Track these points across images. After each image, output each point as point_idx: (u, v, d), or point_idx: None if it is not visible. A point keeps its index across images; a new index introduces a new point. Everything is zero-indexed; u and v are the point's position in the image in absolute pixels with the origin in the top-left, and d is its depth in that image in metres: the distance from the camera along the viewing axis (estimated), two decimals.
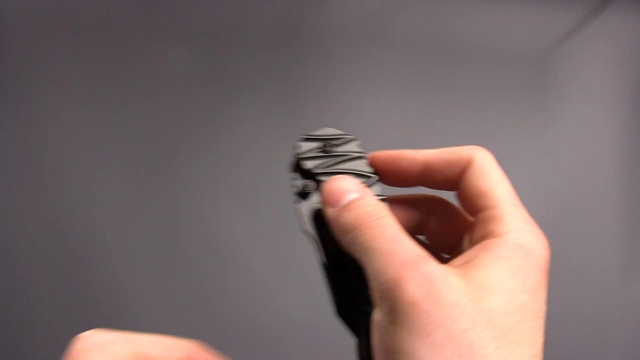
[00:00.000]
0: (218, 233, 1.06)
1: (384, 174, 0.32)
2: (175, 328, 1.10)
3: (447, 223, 0.32)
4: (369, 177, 0.31)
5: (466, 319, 0.22)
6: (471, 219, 0.30)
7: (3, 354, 1.01)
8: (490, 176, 0.28)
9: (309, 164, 0.31)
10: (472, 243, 0.28)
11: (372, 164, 0.32)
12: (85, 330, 0.27)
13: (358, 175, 0.31)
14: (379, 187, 0.31)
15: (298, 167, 0.32)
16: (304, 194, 0.31)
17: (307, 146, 0.32)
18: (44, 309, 1.02)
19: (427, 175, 0.31)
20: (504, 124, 1.17)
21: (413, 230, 0.33)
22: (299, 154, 0.31)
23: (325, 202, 0.29)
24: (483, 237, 0.27)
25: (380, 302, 0.24)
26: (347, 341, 1.17)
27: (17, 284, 1.02)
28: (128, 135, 1.06)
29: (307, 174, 0.31)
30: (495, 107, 1.17)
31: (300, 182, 0.31)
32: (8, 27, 1.05)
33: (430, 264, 0.24)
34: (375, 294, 0.24)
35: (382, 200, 0.31)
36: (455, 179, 0.30)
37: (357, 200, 0.28)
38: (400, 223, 0.28)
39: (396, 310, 0.23)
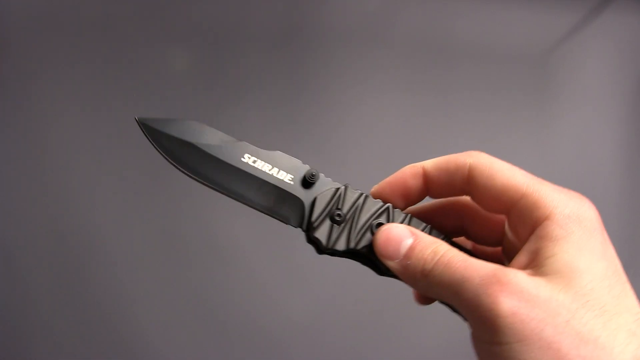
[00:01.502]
0: (218, 233, 1.06)
1: (392, 200, 0.32)
2: (175, 328, 1.10)
3: (478, 222, 0.32)
4: (388, 210, 0.31)
5: (564, 310, 0.22)
6: (499, 216, 0.30)
7: (3, 354, 1.01)
8: (498, 171, 0.28)
9: (338, 245, 0.30)
10: (521, 236, 0.27)
11: (377, 196, 0.32)
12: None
13: (378, 216, 0.30)
14: (398, 211, 0.31)
15: (330, 252, 0.31)
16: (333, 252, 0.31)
17: (322, 231, 0.30)
18: (44, 309, 1.02)
19: (431, 189, 0.31)
20: (504, 124, 1.17)
21: (453, 234, 0.33)
22: (325, 246, 0.30)
23: (384, 257, 0.29)
24: (531, 227, 0.26)
25: (481, 328, 0.24)
26: (347, 341, 1.18)
27: (17, 284, 1.02)
28: (128, 135, 1.06)
29: (343, 253, 0.31)
30: (495, 107, 1.17)
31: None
32: (8, 27, 1.05)
33: (509, 272, 0.24)
34: (473, 323, 0.24)
35: (410, 219, 0.31)
36: (459, 186, 0.30)
37: (416, 246, 0.28)
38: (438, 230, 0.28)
39: (499, 328, 0.23)
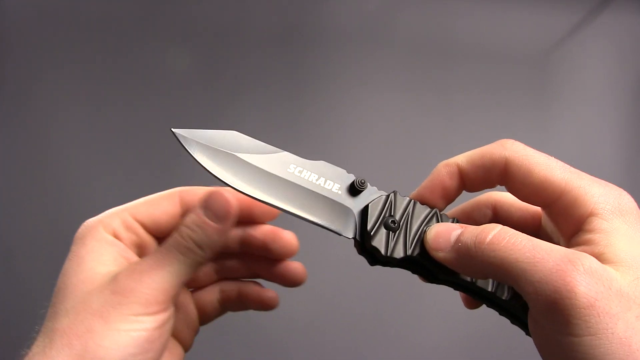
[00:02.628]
0: None
1: (432, 202, 0.31)
2: None
3: (513, 215, 0.32)
4: (437, 214, 0.30)
5: (635, 305, 0.22)
6: (536, 208, 0.30)
7: (3, 354, 1.01)
8: (536, 165, 0.27)
9: (396, 253, 0.29)
10: (564, 231, 0.27)
11: (422, 201, 0.31)
12: None
13: (429, 222, 0.30)
14: (446, 217, 0.31)
15: (385, 262, 0.30)
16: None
17: (379, 240, 0.29)
18: (44, 308, 1.02)
19: (467, 185, 0.31)
20: (504, 123, 1.17)
21: None
22: (384, 255, 0.29)
23: (434, 249, 0.28)
24: (575, 223, 0.26)
25: (548, 315, 0.23)
26: (347, 341, 1.18)
27: (17, 284, 1.02)
28: (128, 135, 1.06)
29: (399, 262, 0.30)
30: (495, 107, 1.17)
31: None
32: (8, 27, 1.05)
33: (585, 257, 0.23)
34: (539, 308, 0.23)
35: (457, 222, 0.30)
36: (496, 180, 0.29)
37: (465, 231, 0.27)
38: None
39: (572, 319, 0.22)
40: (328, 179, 0.30)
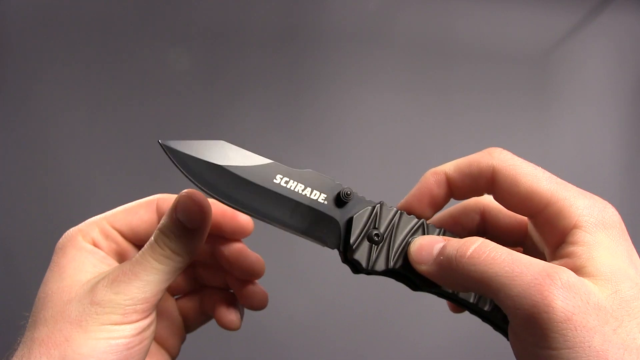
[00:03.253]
0: None
1: (420, 211, 0.31)
2: None
3: (500, 222, 0.32)
4: (423, 225, 0.30)
5: (612, 319, 0.22)
6: (522, 217, 0.30)
7: (3, 354, 1.01)
8: (522, 176, 0.27)
9: (377, 266, 0.29)
10: (548, 242, 0.27)
11: (409, 211, 0.31)
12: None
13: (414, 233, 0.30)
14: (432, 226, 0.31)
15: (367, 272, 0.30)
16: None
17: (361, 252, 0.29)
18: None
19: (455, 192, 0.31)
20: (504, 123, 1.17)
21: (475, 235, 0.33)
22: (365, 268, 0.30)
23: (417, 262, 0.28)
24: (559, 235, 0.26)
25: (527, 329, 0.23)
26: (347, 341, 1.18)
27: (17, 284, 1.02)
28: (128, 135, 1.06)
29: (381, 273, 0.30)
30: (495, 107, 1.17)
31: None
32: (8, 27, 1.05)
33: (563, 272, 0.23)
34: (519, 322, 0.23)
35: (444, 233, 0.30)
36: (483, 188, 0.29)
37: (447, 244, 0.27)
38: (462, 236, 0.28)
39: (550, 333, 0.22)
40: (315, 189, 0.30)
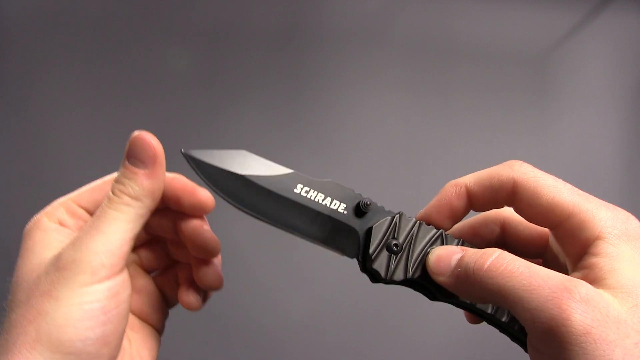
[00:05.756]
0: (218, 233, 1.06)
1: (439, 222, 0.31)
2: (175, 327, 1.10)
3: (520, 234, 0.32)
4: (442, 236, 0.30)
5: (633, 332, 0.22)
6: (542, 229, 0.30)
7: None
8: (544, 188, 0.27)
9: (396, 276, 0.30)
10: (570, 253, 0.27)
11: (428, 222, 0.31)
12: None
13: (433, 243, 0.30)
14: (451, 237, 0.31)
15: (385, 282, 0.31)
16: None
17: (380, 262, 0.30)
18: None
19: (475, 205, 0.31)
20: (504, 124, 1.17)
21: (494, 247, 0.33)
22: (384, 278, 0.30)
23: (435, 274, 0.28)
24: (581, 246, 0.26)
25: (545, 342, 0.23)
26: (347, 341, 1.18)
27: None
28: (128, 135, 1.06)
29: (399, 282, 0.30)
30: (495, 107, 1.17)
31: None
32: (8, 27, 1.06)
33: (581, 285, 0.23)
34: (537, 335, 0.23)
35: (462, 243, 0.30)
36: (503, 201, 0.29)
37: (466, 255, 0.27)
38: (481, 247, 0.28)
39: (568, 346, 0.22)
40: (335, 199, 0.30)
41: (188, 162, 0.29)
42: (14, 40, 1.05)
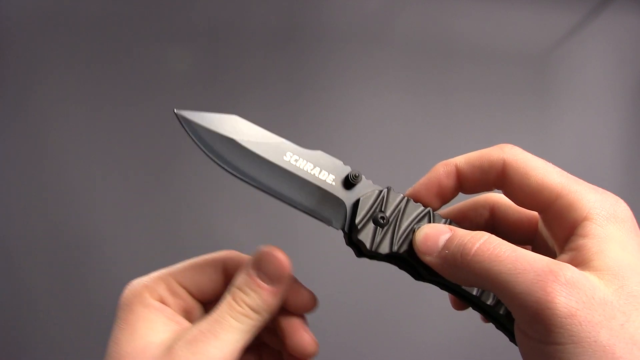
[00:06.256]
0: (218, 233, 1.06)
1: (428, 201, 0.31)
2: None
3: (509, 218, 0.32)
4: (429, 214, 0.30)
5: (619, 313, 0.22)
6: (532, 212, 0.30)
7: (3, 354, 1.01)
8: (533, 169, 0.27)
9: (381, 248, 0.30)
10: (557, 236, 0.27)
11: (416, 199, 0.31)
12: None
13: (420, 220, 0.30)
14: (439, 216, 0.31)
15: (370, 256, 0.31)
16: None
17: (366, 234, 0.30)
18: (44, 309, 1.02)
19: (464, 185, 0.31)
20: (504, 124, 1.17)
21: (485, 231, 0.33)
22: (369, 249, 0.30)
23: (422, 252, 0.28)
24: (569, 228, 0.26)
25: (531, 325, 0.23)
26: (347, 341, 1.18)
27: (17, 284, 1.02)
28: (128, 135, 1.06)
29: (384, 257, 0.30)
30: (495, 107, 1.17)
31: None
32: (8, 27, 1.05)
33: (566, 268, 0.23)
34: (523, 319, 0.23)
35: (450, 223, 0.30)
36: (492, 182, 0.29)
37: (454, 236, 0.27)
38: (470, 228, 0.28)
39: (554, 328, 0.22)
40: (323, 169, 0.31)
41: (180, 122, 0.29)
42: (14, 40, 1.05)
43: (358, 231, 0.30)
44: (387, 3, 1.16)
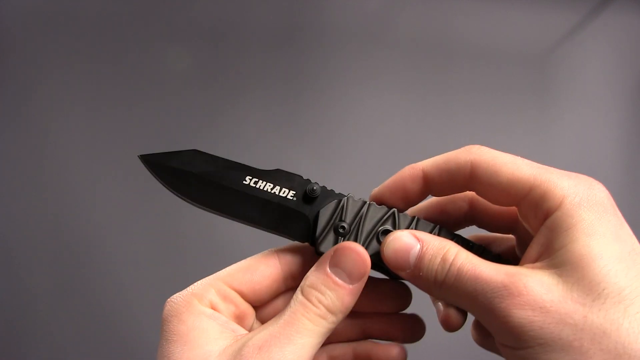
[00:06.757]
0: (218, 233, 1.06)
1: (393, 203, 0.31)
2: None
3: (488, 212, 0.32)
4: (394, 215, 0.30)
5: (580, 307, 0.22)
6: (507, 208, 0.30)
7: (3, 354, 1.01)
8: (502, 165, 0.27)
9: None
10: (533, 227, 0.27)
11: (377, 200, 0.31)
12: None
13: (384, 222, 0.30)
14: (404, 215, 0.31)
15: None
16: None
17: (327, 244, 0.30)
18: (44, 309, 1.02)
19: (433, 189, 0.30)
20: (504, 123, 1.17)
21: (463, 224, 0.33)
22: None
23: (395, 269, 0.28)
24: (543, 218, 0.26)
25: (501, 335, 0.24)
26: None
27: (17, 284, 1.02)
28: (128, 135, 1.06)
29: None
30: (495, 107, 1.17)
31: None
32: (8, 27, 1.05)
33: (519, 281, 0.24)
34: (493, 330, 0.25)
35: (417, 222, 0.30)
36: (462, 185, 0.29)
37: (424, 255, 0.27)
38: (448, 224, 0.29)
39: (518, 336, 0.23)
40: (283, 187, 0.31)
41: (145, 165, 0.32)
42: (14, 40, 1.05)
43: (319, 244, 0.30)
44: (387, 3, 1.16)
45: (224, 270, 0.30)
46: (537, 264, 0.25)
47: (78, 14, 1.07)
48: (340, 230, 0.30)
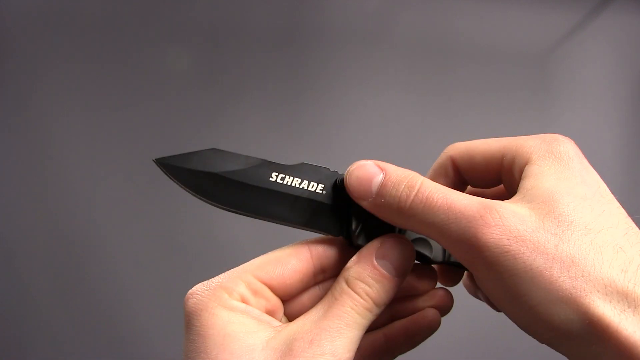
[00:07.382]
0: (218, 233, 1.06)
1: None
2: (175, 328, 1.10)
3: (478, 162, 0.32)
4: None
5: (551, 236, 0.23)
6: (496, 150, 0.31)
7: (3, 353, 1.01)
8: (474, 147, 0.29)
9: None
10: (515, 189, 0.27)
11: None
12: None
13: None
14: None
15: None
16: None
17: (364, 237, 0.30)
18: (44, 309, 1.02)
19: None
20: (504, 123, 1.17)
21: (459, 188, 0.33)
22: None
23: (356, 198, 0.28)
24: (518, 177, 0.27)
25: (474, 267, 0.24)
26: None
27: (17, 284, 1.02)
28: (128, 135, 1.06)
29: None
30: (495, 107, 1.17)
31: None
32: (8, 27, 1.05)
33: (494, 210, 0.24)
34: (465, 262, 0.25)
35: None
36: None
37: (387, 182, 0.27)
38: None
39: (491, 266, 0.23)
40: (311, 181, 0.30)
41: (162, 170, 0.29)
42: (14, 40, 1.05)
43: (357, 236, 0.30)
44: (387, 3, 1.16)
45: (252, 262, 0.29)
46: (509, 200, 0.25)
47: (78, 14, 1.07)
48: (376, 222, 0.29)
